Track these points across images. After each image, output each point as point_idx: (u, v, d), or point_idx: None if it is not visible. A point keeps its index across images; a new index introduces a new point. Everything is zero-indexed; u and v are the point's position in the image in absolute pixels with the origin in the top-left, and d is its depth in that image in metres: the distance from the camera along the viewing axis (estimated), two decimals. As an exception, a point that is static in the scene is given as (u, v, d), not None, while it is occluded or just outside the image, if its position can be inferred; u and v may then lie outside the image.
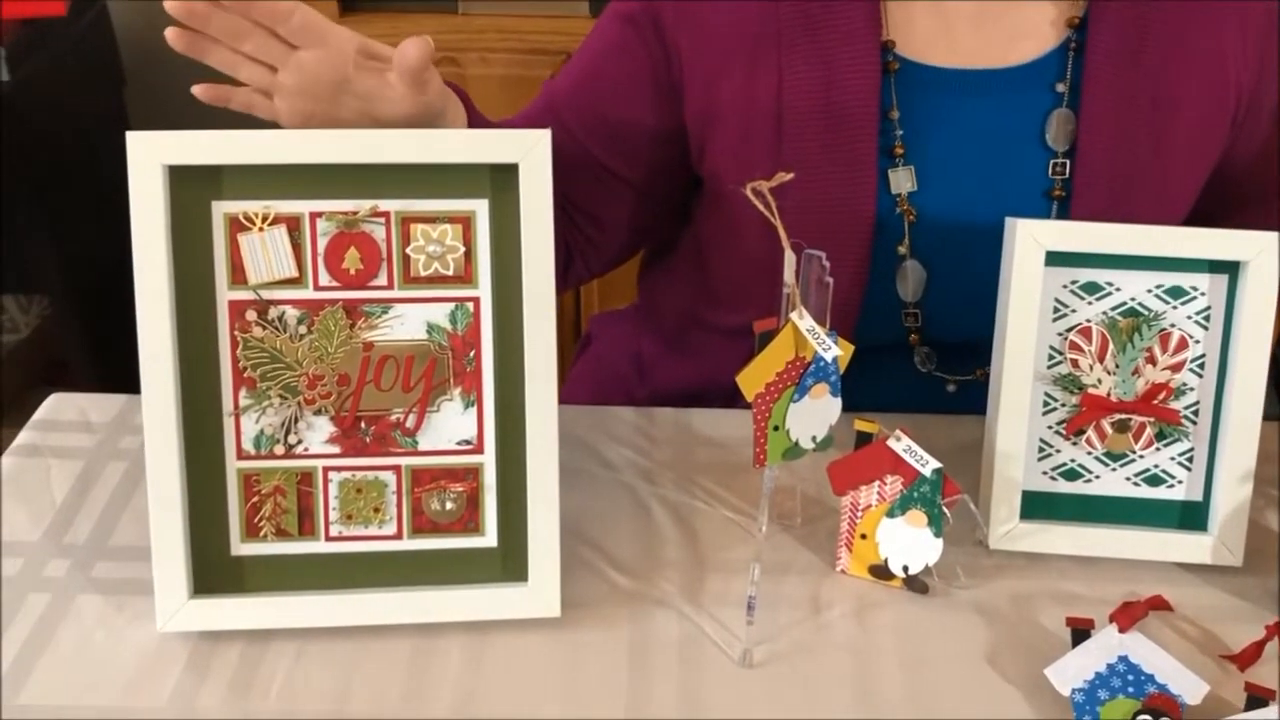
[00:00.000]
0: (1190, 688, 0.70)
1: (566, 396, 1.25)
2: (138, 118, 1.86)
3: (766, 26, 0.92)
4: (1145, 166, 0.93)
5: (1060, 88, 0.93)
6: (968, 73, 0.93)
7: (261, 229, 0.74)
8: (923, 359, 1.00)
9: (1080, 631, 0.74)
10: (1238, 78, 0.95)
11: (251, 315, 0.74)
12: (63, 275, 1.72)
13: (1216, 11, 0.93)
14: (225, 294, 0.74)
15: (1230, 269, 0.81)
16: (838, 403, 0.80)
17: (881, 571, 0.81)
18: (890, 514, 0.79)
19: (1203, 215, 1.00)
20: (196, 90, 0.79)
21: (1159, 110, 0.92)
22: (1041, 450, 0.83)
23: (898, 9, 0.93)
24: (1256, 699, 0.69)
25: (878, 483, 0.79)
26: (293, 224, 0.74)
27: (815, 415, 0.80)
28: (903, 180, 0.93)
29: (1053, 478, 0.84)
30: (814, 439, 0.81)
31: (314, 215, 0.74)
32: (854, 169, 0.92)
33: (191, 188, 0.73)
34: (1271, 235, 0.80)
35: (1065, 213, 0.93)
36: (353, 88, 0.79)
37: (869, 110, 0.92)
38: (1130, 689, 0.71)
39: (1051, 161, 0.93)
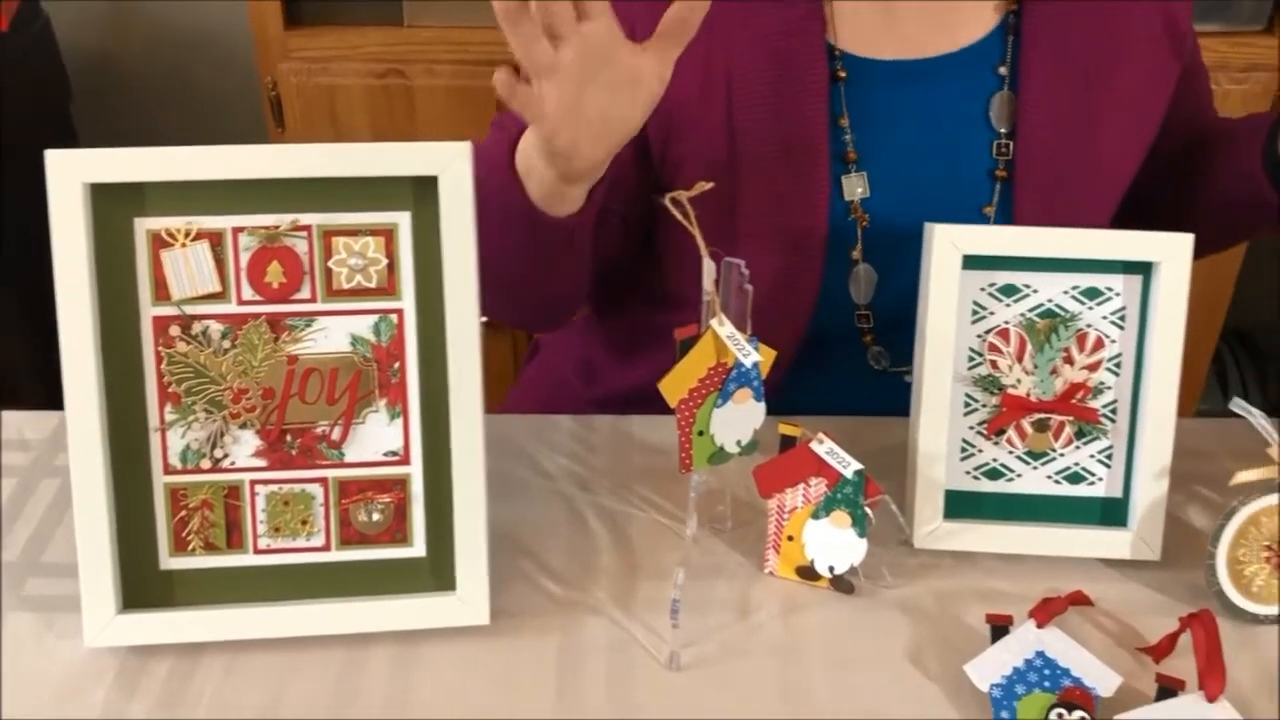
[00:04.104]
0: (1104, 680, 0.72)
1: (514, 404, 1.25)
2: (85, 131, 1.85)
3: (714, 23, 0.92)
4: (1084, 143, 0.95)
5: (1002, 70, 0.95)
6: (914, 63, 0.95)
7: (184, 245, 0.74)
8: (875, 357, 1.02)
9: (999, 628, 0.75)
10: (1169, 60, 0.98)
11: (175, 331, 0.75)
12: (7, 293, 1.71)
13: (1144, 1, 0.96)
14: (149, 310, 0.75)
15: (1144, 270, 0.82)
16: (761, 407, 0.81)
17: (808, 572, 0.82)
18: (815, 516, 0.80)
19: (1150, 199, 1.03)
20: (497, 78, 0.75)
21: (1094, 89, 0.95)
22: (964, 450, 0.85)
23: (843, 7, 0.95)
24: (1166, 690, 0.70)
25: (802, 485, 0.81)
26: (215, 239, 0.74)
27: (739, 420, 0.81)
28: (855, 186, 0.95)
29: (976, 477, 0.85)
30: (739, 443, 0.82)
31: (236, 230, 0.74)
32: (807, 178, 0.94)
33: (113, 205, 0.73)
34: (1184, 236, 0.82)
35: (1008, 192, 0.95)
36: (616, 64, 0.76)
37: (819, 121, 0.93)
38: (1046, 683, 0.72)
39: (995, 142, 0.95)
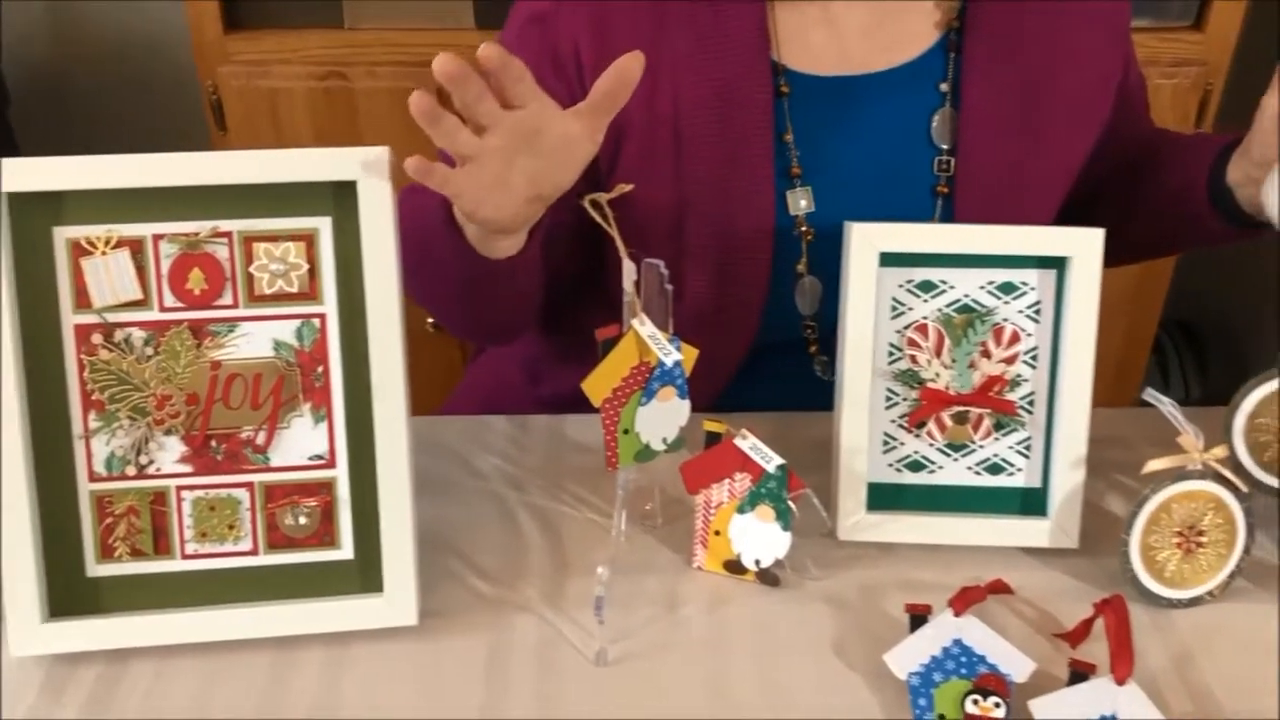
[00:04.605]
0: (1018, 666, 0.73)
1: (458, 403, 1.26)
2: (25, 137, 1.83)
3: (658, 32, 0.93)
4: (1024, 158, 0.97)
5: (944, 87, 0.96)
6: (857, 78, 0.96)
7: (104, 253, 0.74)
8: (822, 367, 1.03)
9: (918, 617, 0.77)
10: (1109, 71, 0.99)
11: (97, 338, 0.75)
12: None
13: (1084, 12, 0.98)
14: (70, 318, 0.75)
15: (1058, 264, 0.84)
16: (686, 405, 0.83)
17: (735, 566, 0.83)
18: (740, 510, 0.82)
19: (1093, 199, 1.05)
20: (408, 164, 0.73)
21: (1035, 102, 0.96)
22: (886, 443, 0.86)
23: (788, 21, 0.96)
24: (1078, 674, 0.72)
25: (728, 480, 0.82)
26: (135, 247, 0.74)
27: (664, 418, 0.82)
28: (799, 200, 0.96)
29: (898, 469, 0.87)
30: (664, 441, 0.83)
31: (156, 237, 0.74)
32: (751, 192, 0.95)
33: (31, 214, 0.73)
34: (1095, 231, 0.83)
35: (950, 207, 0.96)
36: (546, 137, 0.75)
37: (764, 136, 0.94)
38: (963, 670, 0.74)
39: (936, 159, 0.97)
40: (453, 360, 1.75)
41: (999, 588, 0.81)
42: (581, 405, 1.01)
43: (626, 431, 0.81)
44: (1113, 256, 0.91)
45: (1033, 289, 0.84)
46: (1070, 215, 1.04)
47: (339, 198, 0.75)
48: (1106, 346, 1.80)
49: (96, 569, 0.77)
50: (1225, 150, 0.94)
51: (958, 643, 0.75)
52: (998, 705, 0.72)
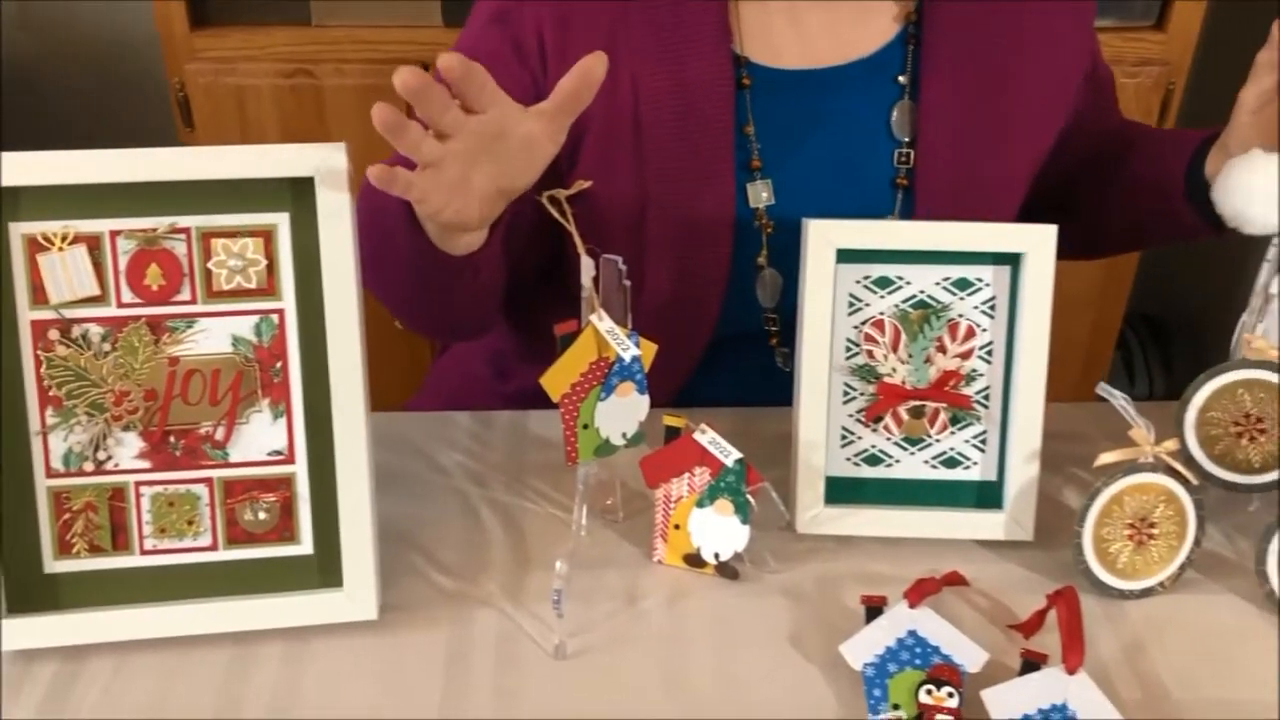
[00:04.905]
0: (972, 657, 0.75)
1: (425, 399, 1.26)
2: (11, 133, 1.82)
3: (619, 27, 0.94)
4: (984, 151, 0.98)
5: (903, 80, 0.97)
6: (817, 72, 0.97)
7: (61, 249, 0.74)
8: (783, 359, 1.04)
9: (874, 609, 0.78)
10: (1073, 65, 1.00)
11: (54, 334, 0.75)
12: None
13: (1045, 9, 0.99)
14: (26, 314, 0.75)
15: (1012, 260, 0.85)
16: (645, 400, 0.83)
17: (695, 560, 0.84)
18: (700, 504, 0.82)
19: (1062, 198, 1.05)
20: (370, 173, 0.72)
21: (995, 95, 0.97)
22: (844, 437, 0.87)
23: (751, 15, 0.96)
24: (1030, 664, 0.73)
25: (687, 475, 0.82)
26: (93, 243, 0.74)
27: (624, 412, 0.83)
28: (760, 193, 0.96)
29: (856, 463, 0.88)
30: (624, 435, 0.84)
31: (114, 233, 0.74)
32: (712, 184, 0.95)
33: (-13, 210, 0.73)
34: (1049, 227, 0.84)
35: (910, 201, 0.97)
36: (508, 139, 0.75)
37: (724, 127, 0.94)
38: (917, 661, 0.75)
39: (896, 151, 0.97)
40: (422, 356, 1.76)
41: (954, 579, 0.82)
42: (548, 400, 1.01)
43: (586, 426, 0.82)
44: (1085, 250, 0.92)
45: (987, 285, 0.85)
46: (1042, 209, 1.04)
47: (297, 194, 0.75)
48: (1072, 340, 1.82)
49: (54, 565, 0.77)
50: (1204, 144, 0.95)
51: (912, 634, 0.76)
52: (951, 695, 0.72)
